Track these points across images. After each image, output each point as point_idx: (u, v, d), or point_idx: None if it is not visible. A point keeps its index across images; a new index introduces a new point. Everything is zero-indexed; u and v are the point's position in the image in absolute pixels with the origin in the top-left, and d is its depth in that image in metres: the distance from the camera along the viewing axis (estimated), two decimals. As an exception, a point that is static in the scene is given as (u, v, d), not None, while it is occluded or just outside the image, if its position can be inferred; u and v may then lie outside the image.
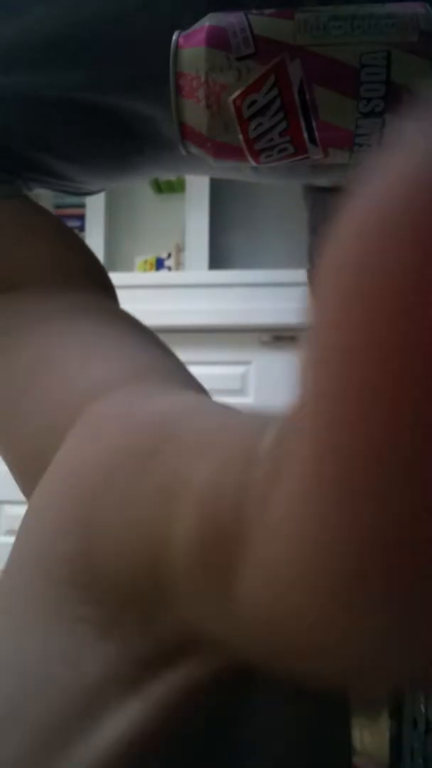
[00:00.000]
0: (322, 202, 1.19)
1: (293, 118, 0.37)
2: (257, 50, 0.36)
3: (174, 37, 0.38)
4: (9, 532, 2.14)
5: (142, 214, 2.49)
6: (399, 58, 0.35)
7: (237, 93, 0.37)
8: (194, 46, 0.37)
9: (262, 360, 2.14)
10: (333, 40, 0.36)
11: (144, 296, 2.12)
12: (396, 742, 0.43)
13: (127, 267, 2.40)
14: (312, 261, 1.38)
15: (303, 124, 0.37)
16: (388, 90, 0.36)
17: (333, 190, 1.18)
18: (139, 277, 2.29)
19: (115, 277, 2.21)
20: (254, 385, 2.14)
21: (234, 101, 0.37)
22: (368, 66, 0.35)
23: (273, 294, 2.07)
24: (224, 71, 0.36)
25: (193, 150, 0.40)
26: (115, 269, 2.38)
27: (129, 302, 2.18)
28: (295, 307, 1.96)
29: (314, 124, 0.37)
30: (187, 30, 0.38)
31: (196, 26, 0.37)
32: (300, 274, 1.53)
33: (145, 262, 2.39)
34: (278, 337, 2.13)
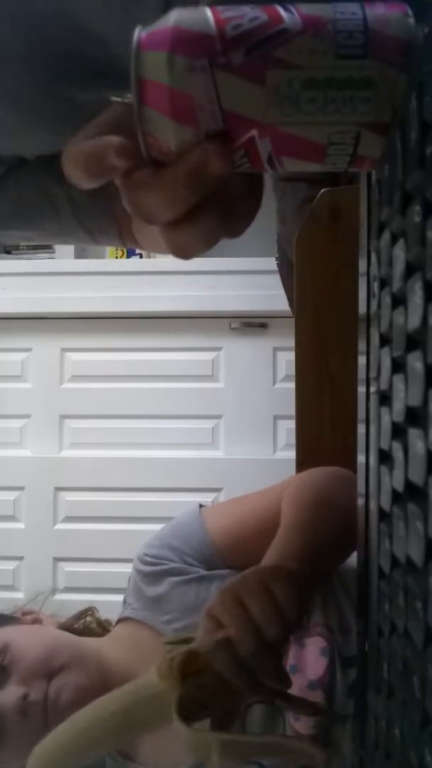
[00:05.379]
0: (292, 191, 1.21)
1: (260, 169, 0.38)
2: (226, 127, 0.35)
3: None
4: (67, 519, 2.12)
5: (113, 200, 2.47)
6: (367, 138, 0.35)
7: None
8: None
9: (232, 346, 2.15)
10: (304, 118, 0.34)
11: (115, 283, 2.12)
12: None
13: (99, 254, 2.39)
14: (281, 249, 1.39)
15: (269, 170, 0.38)
16: (352, 159, 0.36)
17: (302, 180, 1.19)
18: (111, 264, 2.28)
19: (87, 264, 2.23)
20: (224, 370, 2.16)
21: None
22: (336, 144, 0.35)
23: (243, 281, 2.08)
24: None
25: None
26: (86, 256, 2.36)
27: (101, 289, 2.22)
28: (264, 294, 1.98)
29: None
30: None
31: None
32: (269, 262, 1.54)
33: (117, 248, 2.38)
34: (248, 323, 2.14)
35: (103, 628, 0.90)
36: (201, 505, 0.86)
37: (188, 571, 0.79)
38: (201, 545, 0.79)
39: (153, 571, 0.81)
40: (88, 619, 0.91)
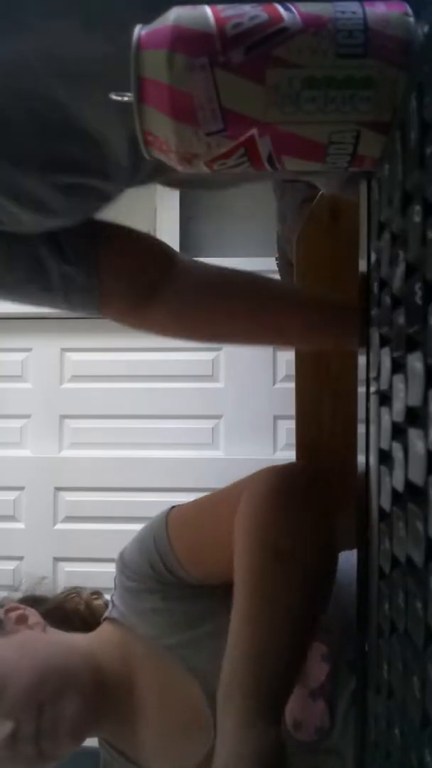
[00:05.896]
0: (291, 191, 1.21)
1: (260, 168, 0.38)
2: (226, 126, 0.35)
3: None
4: (67, 519, 2.13)
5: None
6: (367, 137, 0.35)
7: (208, 158, 0.37)
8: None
9: (232, 346, 2.16)
10: (304, 117, 0.35)
11: (115, 282, 2.12)
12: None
13: (98, 253, 2.39)
14: (281, 249, 1.39)
15: (269, 169, 0.38)
16: (352, 158, 0.37)
17: (302, 181, 1.19)
18: (110, 263, 2.29)
19: (87, 264, 2.08)
20: (224, 370, 2.16)
21: (205, 163, 0.38)
22: (336, 143, 0.36)
23: (243, 280, 2.08)
24: (194, 144, 0.36)
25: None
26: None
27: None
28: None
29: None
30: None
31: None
32: (269, 262, 1.54)
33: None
34: (249, 323, 2.14)
35: (90, 610, 0.88)
36: (173, 507, 0.82)
37: (165, 588, 0.77)
38: (169, 561, 0.76)
39: (134, 587, 0.79)
40: (76, 599, 0.89)
